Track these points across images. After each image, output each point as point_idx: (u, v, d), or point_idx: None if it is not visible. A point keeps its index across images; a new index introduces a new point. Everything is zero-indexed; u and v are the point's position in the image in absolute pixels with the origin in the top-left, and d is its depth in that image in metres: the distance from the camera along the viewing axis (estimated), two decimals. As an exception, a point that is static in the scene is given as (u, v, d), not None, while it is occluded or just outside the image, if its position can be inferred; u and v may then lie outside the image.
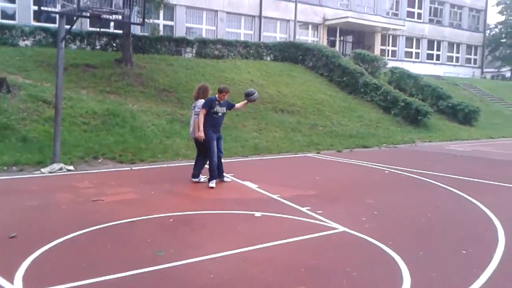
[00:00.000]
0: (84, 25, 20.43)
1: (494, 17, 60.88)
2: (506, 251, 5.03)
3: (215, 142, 8.11)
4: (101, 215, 5.98)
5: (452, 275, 4.34)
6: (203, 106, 8.07)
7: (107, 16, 9.91)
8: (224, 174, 8.53)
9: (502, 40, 44.28)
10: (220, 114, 8.25)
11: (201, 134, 7.98)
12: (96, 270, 4.17)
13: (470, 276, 4.26)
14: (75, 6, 8.95)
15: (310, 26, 29.46)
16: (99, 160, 10.15)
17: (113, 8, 9.55)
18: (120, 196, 7.16)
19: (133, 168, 9.78)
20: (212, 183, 7.97)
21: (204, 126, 8.05)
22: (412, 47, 34.71)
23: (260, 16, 26.88)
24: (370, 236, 5.41)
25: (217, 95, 8.17)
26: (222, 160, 8.48)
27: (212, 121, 8.11)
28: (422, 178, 9.50)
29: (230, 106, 8.55)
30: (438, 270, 4.44)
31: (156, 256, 4.60)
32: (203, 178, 8.36)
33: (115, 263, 4.40)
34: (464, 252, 5.00)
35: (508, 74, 45.03)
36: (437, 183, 9.00)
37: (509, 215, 6.65)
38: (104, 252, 4.71)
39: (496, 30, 45.11)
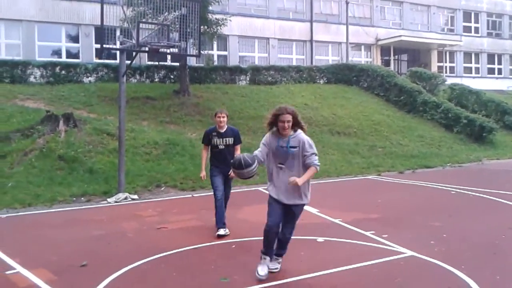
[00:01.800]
0: (143, 59, 21.35)
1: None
2: None
3: (218, 179, 6.62)
4: (165, 243, 6.09)
5: (536, 301, 4.04)
6: (202, 141, 6.90)
7: (165, 50, 10.33)
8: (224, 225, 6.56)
9: None
10: (221, 147, 6.60)
11: (202, 173, 6.85)
12: (163, 298, 4.23)
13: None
14: (134, 42, 9.43)
15: (362, 47, 29.20)
16: (162, 189, 10.42)
17: (170, 42, 9.97)
18: (182, 224, 7.29)
19: (194, 195, 9.95)
20: (218, 231, 6.45)
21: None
22: (471, 62, 33.45)
23: (311, 41, 26.98)
24: (441, 260, 5.16)
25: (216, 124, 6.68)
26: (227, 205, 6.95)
27: (213, 155, 6.71)
28: (493, 198, 9.00)
29: (236, 138, 6.72)
30: (519, 296, 4.15)
31: (221, 282, 4.61)
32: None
33: (182, 290, 4.45)
34: (546, 276, 4.66)
35: None
36: (509, 202, 8.49)
37: None
38: (170, 280, 4.78)
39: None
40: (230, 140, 6.65)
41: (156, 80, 20.24)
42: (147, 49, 9.98)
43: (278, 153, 4.67)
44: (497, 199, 8.89)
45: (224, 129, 6.63)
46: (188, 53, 11.85)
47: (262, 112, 17.36)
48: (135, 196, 9.59)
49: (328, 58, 27.65)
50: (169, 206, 8.73)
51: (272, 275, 4.79)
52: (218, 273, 4.92)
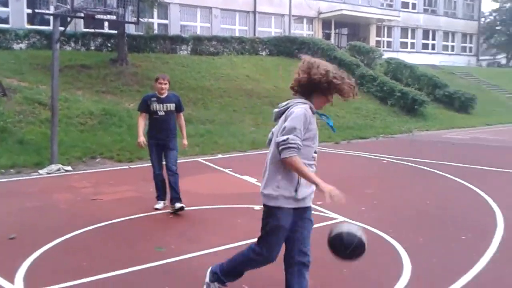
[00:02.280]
0: (78, 26, 20.38)
1: (488, 5, 60.91)
2: (505, 235, 5.05)
3: (153, 155, 6.20)
4: (100, 214, 5.98)
5: (452, 260, 4.36)
6: (138, 108, 6.36)
7: (101, 16, 9.90)
8: (178, 199, 6.02)
9: (497, 28, 44.30)
10: (161, 113, 6.08)
11: (139, 139, 6.17)
12: (97, 268, 4.17)
13: (469, 261, 4.27)
14: (69, 7, 8.93)
15: (304, 20, 29.40)
16: (97, 160, 10.14)
17: (107, 8, 9.54)
18: (119, 195, 7.16)
19: (131, 166, 9.78)
20: (157, 204, 6.23)
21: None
22: (407, 38, 34.66)
23: (254, 12, 26.81)
24: (370, 225, 5.41)
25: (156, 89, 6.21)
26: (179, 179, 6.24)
27: (154, 124, 6.13)
28: (420, 167, 9.51)
29: (178, 105, 6.24)
30: (437, 256, 4.46)
31: (157, 252, 4.60)
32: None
33: (116, 260, 4.40)
34: (463, 237, 5.02)
35: (503, 61, 45.03)
36: (435, 171, 9.02)
37: (507, 200, 6.67)
38: (105, 250, 4.71)
39: (491, 17, 45.10)
40: (171, 106, 6.14)
41: (92, 48, 19.45)
42: (82, 15, 9.50)
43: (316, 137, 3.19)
44: (424, 167, 9.41)
45: (165, 95, 6.13)
46: (127, 20, 11.45)
47: (204, 83, 17.23)
48: (69, 168, 9.28)
49: (270, 30, 27.63)
50: (105, 178, 8.54)
51: (209, 242, 4.84)
52: (154, 243, 4.90)
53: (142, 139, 6.18)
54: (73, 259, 4.44)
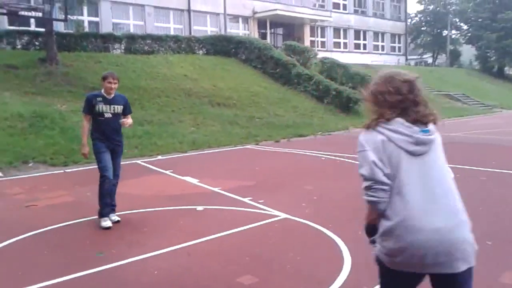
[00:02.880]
0: (2, 23, 19.22)
1: (414, 7, 64.30)
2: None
3: (105, 155, 5.50)
4: (35, 221, 5.71)
5: (389, 250, 4.56)
6: (82, 109, 5.72)
7: (26, 13, 9.42)
8: (114, 211, 5.65)
9: (422, 28, 46.83)
10: (107, 115, 5.49)
11: (84, 150, 5.62)
12: (32, 277, 3.99)
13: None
14: (-10, 3, 8.44)
15: (240, 19, 29.52)
16: (30, 165, 9.65)
17: (32, 4, 9.11)
18: (54, 200, 6.86)
19: (66, 170, 9.39)
20: (104, 221, 5.41)
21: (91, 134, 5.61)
22: (340, 38, 35.76)
23: (189, 10, 26.54)
24: (311, 220, 5.56)
25: (102, 88, 5.58)
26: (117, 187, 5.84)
27: (99, 127, 5.53)
28: (357, 162, 9.85)
29: (126, 108, 5.68)
30: (376, 247, 4.65)
31: (97, 257, 4.46)
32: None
33: (53, 268, 4.22)
34: (398, 228, 5.26)
35: (430, 60, 47.68)
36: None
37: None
38: (41, 258, 4.51)
39: (417, 19, 47.57)
40: (119, 108, 5.56)
41: (19, 46, 18.40)
42: (4, 11, 9.00)
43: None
44: (356, 162, 9.76)
45: (112, 95, 5.55)
46: (54, 17, 10.97)
47: (140, 83, 16.85)
48: (-1, 174, 8.77)
49: (206, 29, 27.49)
50: (39, 183, 8.14)
51: (148, 245, 4.77)
52: (93, 248, 4.76)
53: (87, 149, 5.58)
54: (7, 269, 4.22)
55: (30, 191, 7.49)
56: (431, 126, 2.23)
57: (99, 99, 5.48)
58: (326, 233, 5.12)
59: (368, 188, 2.13)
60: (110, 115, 5.51)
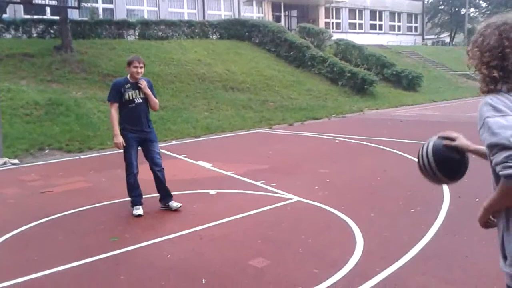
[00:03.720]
0: (18, 12, 19.38)
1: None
2: (451, 206, 5.29)
3: (132, 151, 5.37)
4: (50, 207, 5.79)
5: (402, 233, 4.53)
6: (108, 97, 5.45)
7: (41, 1, 9.47)
8: (171, 197, 5.57)
9: (440, 7, 45.81)
10: (138, 101, 5.32)
11: (118, 140, 5.28)
12: (49, 262, 4.06)
13: (418, 233, 4.45)
14: (4, -9, 8.50)
15: (254, 2, 29.24)
16: (46, 151, 9.79)
17: (46, -8, 9.15)
18: (69, 186, 6.95)
19: (81, 157, 9.50)
20: (136, 209, 5.36)
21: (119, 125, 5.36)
22: (355, 19, 35.23)
23: (203, -6, 26.40)
24: (324, 203, 5.54)
25: (128, 74, 5.37)
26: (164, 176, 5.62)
27: (129, 115, 5.33)
28: (371, 144, 9.77)
29: (153, 91, 5.49)
30: (388, 229, 4.62)
31: (111, 242, 4.52)
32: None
33: (69, 253, 4.29)
34: (412, 211, 5.22)
35: (447, 40, 46.72)
36: (384, 147, 9.29)
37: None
38: (56, 243, 4.58)
39: (434, -3, 46.56)
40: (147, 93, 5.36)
41: (35, 35, 18.58)
42: (18, 0, 9.06)
43: None
44: (374, 145, 9.67)
45: (137, 79, 5.33)
46: (68, 5, 11.01)
47: (154, 69, 16.87)
48: (16, 161, 8.91)
49: (220, 13, 27.32)
50: (54, 170, 8.26)
51: (161, 230, 4.81)
52: (108, 233, 4.82)
53: (121, 139, 5.26)
54: (24, 254, 4.30)
55: (46, 177, 7.60)
56: None
57: (128, 85, 5.27)
58: (338, 215, 5.10)
59: (509, 157, 1.52)
60: (141, 100, 5.33)
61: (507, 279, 1.76)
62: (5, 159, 8.84)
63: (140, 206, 5.41)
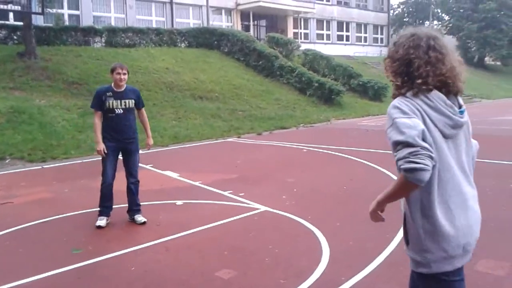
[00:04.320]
0: (-22, 17, 18.80)
1: (396, -2, 64.63)
2: (414, 214, 5.39)
3: (108, 160, 5.22)
4: (11, 218, 5.60)
5: (367, 241, 4.59)
6: (91, 105, 5.32)
7: (3, 6, 9.22)
8: (139, 212, 5.41)
9: (405, 19, 47.11)
10: (118, 111, 5.17)
11: (99, 147, 5.15)
12: (7, 276, 3.91)
13: (383, 241, 4.52)
14: (-37, -5, 8.24)
15: (223, 11, 29.31)
16: (6, 161, 9.48)
17: (8, -3, 8.95)
18: (31, 197, 6.75)
19: (44, 166, 9.25)
20: (100, 220, 5.21)
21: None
22: (323, 29, 35.76)
23: (171, 2, 26.23)
24: (291, 212, 5.56)
25: (112, 82, 5.26)
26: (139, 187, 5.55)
27: (109, 124, 5.21)
28: (338, 154, 9.90)
29: (138, 101, 5.40)
30: (354, 238, 4.68)
31: (73, 254, 4.40)
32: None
33: (29, 266, 4.15)
34: (377, 219, 5.29)
35: (411, 51, 47.97)
36: (351, 157, 9.43)
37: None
38: (16, 256, 4.42)
39: (399, 10, 47.85)
40: (131, 103, 5.23)
41: (-4, 41, 18.03)
42: (-21, 4, 8.81)
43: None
44: (341, 154, 9.81)
45: (123, 89, 5.22)
46: (32, 10, 10.75)
47: (120, 77, 16.60)
48: (-26, 171, 8.60)
49: (189, 21, 27.24)
50: (16, 180, 8.00)
51: (127, 241, 4.72)
52: (70, 245, 4.69)
53: (102, 146, 5.14)
54: (-20, 269, 4.14)
55: (7, 188, 7.35)
56: (462, 102, 1.99)
57: (109, 94, 5.12)
58: (305, 224, 5.12)
59: (412, 153, 1.73)
60: (121, 111, 5.16)
61: (411, 264, 2.02)
62: (-37, 168, 8.53)
63: (105, 218, 5.26)
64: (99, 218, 5.25)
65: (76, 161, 9.69)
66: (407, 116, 1.82)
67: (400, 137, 1.78)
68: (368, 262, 4.01)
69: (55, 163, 9.53)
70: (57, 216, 5.68)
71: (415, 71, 1.89)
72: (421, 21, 46.02)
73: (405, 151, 1.75)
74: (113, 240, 4.80)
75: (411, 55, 1.91)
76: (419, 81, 1.88)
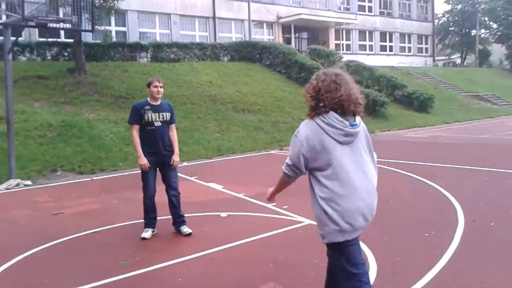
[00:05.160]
0: (33, 35, 19.80)
1: (441, 7, 63.15)
2: (466, 230, 5.20)
3: (149, 173, 5.30)
4: (62, 228, 5.80)
5: (416, 257, 4.45)
6: (128, 120, 5.38)
7: (55, 25, 9.64)
8: (184, 223, 5.50)
9: (450, 28, 45.87)
10: (157, 124, 5.26)
11: (142, 161, 5.20)
12: (59, 285, 4.04)
13: (432, 257, 4.37)
14: (19, 16, 8.68)
15: (264, 25, 29.60)
16: (58, 173, 9.86)
17: (60, 16, 9.34)
18: (81, 208, 6.97)
19: (93, 178, 9.55)
20: (145, 232, 5.34)
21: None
22: (365, 40, 35.43)
23: (214, 17, 26.78)
24: (336, 226, 5.46)
25: (148, 96, 5.38)
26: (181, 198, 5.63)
27: (148, 138, 5.26)
28: (383, 166, 9.69)
29: (172, 115, 5.46)
30: (402, 254, 4.54)
31: (121, 265, 4.50)
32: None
33: (79, 275, 4.28)
34: (426, 234, 5.13)
35: (458, 61, 46.66)
36: (397, 170, 9.21)
37: (466, 196, 6.88)
38: (67, 266, 4.57)
39: (444, 19, 46.66)
40: (167, 116, 5.31)
41: (49, 57, 18.92)
42: (34, 24, 9.25)
43: None
44: (386, 167, 9.59)
45: (159, 102, 5.33)
46: (82, 28, 11.19)
47: (166, 90, 16.95)
48: (28, 182, 8.98)
49: (231, 35, 27.67)
50: (66, 191, 8.30)
51: (172, 252, 4.78)
52: (118, 255, 4.80)
53: (145, 160, 5.20)
54: (34, 277, 4.29)
55: (58, 199, 7.64)
56: (358, 119, 2.76)
57: (147, 107, 5.22)
58: (351, 239, 5.02)
59: (290, 166, 2.73)
60: (160, 124, 5.26)
61: (321, 239, 2.81)
62: (18, 180, 8.92)
63: (150, 230, 5.37)
64: (145, 230, 5.38)
65: (124, 173, 9.95)
66: (300, 134, 2.68)
67: (290, 153, 2.73)
68: (417, 279, 3.88)
69: (103, 175, 9.82)
70: (105, 227, 5.84)
71: (320, 96, 2.66)
72: (467, 30, 44.66)
73: (288, 161, 2.74)
74: (159, 251, 4.87)
75: (319, 85, 2.69)
76: (321, 104, 2.64)
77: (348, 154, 2.66)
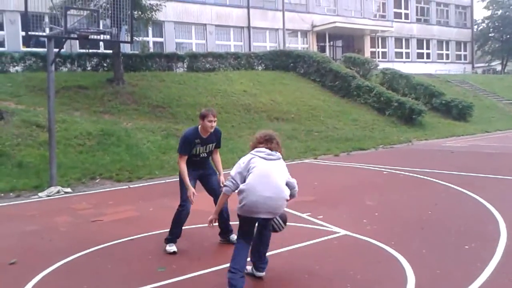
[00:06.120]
0: (74, 47, 20.49)
1: (480, 13, 61.40)
2: (508, 243, 5.01)
3: (192, 181, 5.20)
4: (100, 235, 5.93)
5: (456, 270, 4.32)
6: (179, 150, 5.21)
7: (95, 37, 9.94)
8: (232, 233, 5.46)
9: (490, 35, 44.54)
10: (203, 155, 5.29)
11: (190, 192, 5.09)
12: (98, 291, 4.13)
13: (473, 271, 4.24)
14: (62, 28, 9.00)
15: (299, 33, 29.62)
16: (96, 181, 10.11)
17: (100, 28, 9.63)
18: (119, 215, 7.12)
19: (130, 186, 9.74)
20: (170, 246, 5.20)
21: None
22: (401, 47, 34.90)
23: (248, 27, 27.02)
24: (372, 237, 5.38)
25: (199, 126, 5.20)
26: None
27: (190, 163, 5.21)
28: (420, 176, 9.49)
29: (218, 143, 5.42)
30: (441, 266, 4.42)
31: (158, 272, 4.56)
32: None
33: (117, 282, 4.36)
34: (466, 247, 4.98)
35: (499, 68, 45.24)
36: (435, 180, 9.00)
37: (509, 207, 6.64)
38: (105, 272, 4.67)
39: (484, 25, 45.37)
40: (212, 146, 5.31)
41: (89, 68, 19.54)
42: (76, 36, 9.57)
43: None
44: (424, 177, 9.39)
45: (208, 134, 5.24)
46: (121, 40, 11.48)
47: (201, 100, 17.27)
48: (68, 190, 9.24)
49: (265, 44, 27.82)
50: (105, 198, 8.49)
51: (208, 260, 4.81)
52: (155, 262, 4.86)
53: (192, 190, 5.12)
54: (74, 282, 4.40)
55: (97, 206, 7.82)
56: (278, 154, 4.27)
57: (197, 141, 5.14)
58: (388, 250, 4.93)
59: (230, 180, 4.13)
60: (205, 155, 5.30)
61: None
62: (59, 187, 9.19)
63: (174, 245, 5.22)
64: (169, 244, 5.21)
65: (160, 181, 10.11)
66: (243, 162, 4.18)
67: (233, 170, 4.16)
68: (459, 293, 3.77)
69: (140, 182, 10.00)
70: (142, 234, 5.93)
71: (259, 143, 4.27)
72: (508, 36, 43.25)
73: (230, 178, 4.16)
74: (195, 260, 4.91)
75: (259, 138, 4.31)
76: (261, 145, 4.24)
77: (271, 170, 4.21)
